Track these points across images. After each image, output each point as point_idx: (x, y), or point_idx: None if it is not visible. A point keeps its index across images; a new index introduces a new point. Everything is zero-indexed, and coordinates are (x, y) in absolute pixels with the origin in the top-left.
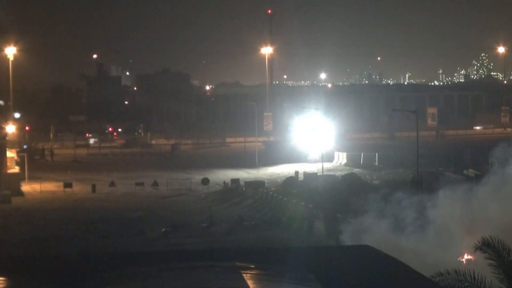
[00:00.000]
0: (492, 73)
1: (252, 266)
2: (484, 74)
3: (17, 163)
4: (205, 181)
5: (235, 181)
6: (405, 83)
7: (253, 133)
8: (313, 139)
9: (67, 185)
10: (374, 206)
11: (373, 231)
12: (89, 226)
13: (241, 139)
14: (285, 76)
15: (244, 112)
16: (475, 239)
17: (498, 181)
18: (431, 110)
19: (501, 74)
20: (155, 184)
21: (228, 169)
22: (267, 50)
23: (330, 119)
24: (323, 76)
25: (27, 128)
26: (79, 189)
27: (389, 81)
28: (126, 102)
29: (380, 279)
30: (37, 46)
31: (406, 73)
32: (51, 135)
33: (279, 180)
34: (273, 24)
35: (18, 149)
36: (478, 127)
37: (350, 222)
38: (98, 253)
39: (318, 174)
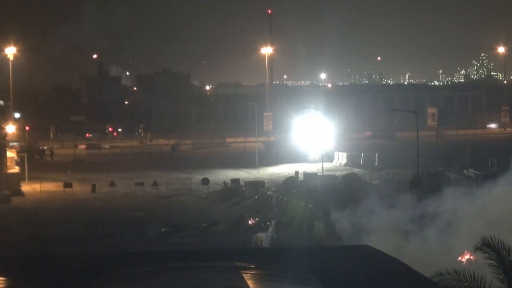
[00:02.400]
0: (492, 73)
1: (252, 266)
2: (484, 74)
3: (17, 163)
4: (205, 181)
5: (235, 181)
6: (405, 83)
7: (253, 133)
8: (313, 139)
9: (67, 185)
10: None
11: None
12: (89, 226)
13: (241, 139)
14: (285, 76)
15: (244, 112)
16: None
17: None
18: (431, 110)
19: (501, 74)
20: (155, 184)
21: (228, 169)
22: (267, 50)
23: (330, 119)
24: (323, 76)
25: (27, 128)
26: (79, 189)
27: (389, 81)
28: (126, 102)
29: (380, 279)
30: (37, 46)
31: (406, 73)
32: (51, 135)
33: (279, 180)
34: (273, 24)
35: (18, 149)
36: (493, 125)
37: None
38: (98, 253)
39: (318, 174)
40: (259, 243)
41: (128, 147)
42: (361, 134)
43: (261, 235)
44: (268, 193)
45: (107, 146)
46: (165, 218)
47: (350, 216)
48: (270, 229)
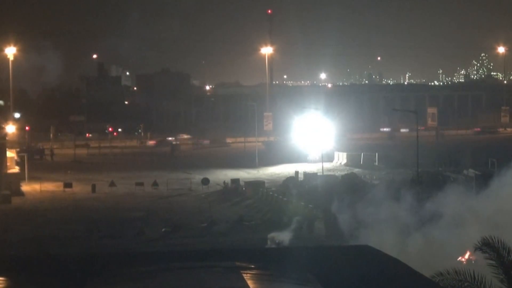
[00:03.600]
0: (492, 73)
1: (252, 266)
2: (484, 74)
3: (17, 163)
4: (205, 181)
5: (235, 181)
6: (405, 83)
7: (253, 133)
8: (313, 139)
9: (67, 185)
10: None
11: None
12: (89, 226)
13: (241, 139)
14: (285, 76)
15: (244, 112)
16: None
17: None
18: (431, 110)
19: (501, 74)
20: (155, 184)
21: (228, 169)
22: (267, 50)
23: (330, 119)
24: (323, 76)
25: (27, 128)
26: (79, 189)
27: (389, 81)
28: (126, 102)
29: (380, 279)
30: (37, 46)
31: (406, 73)
32: (51, 135)
33: (279, 180)
34: (273, 24)
35: (18, 149)
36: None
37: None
38: (98, 253)
39: (318, 174)
40: (276, 243)
41: (128, 147)
42: (470, 129)
43: (277, 235)
44: (287, 199)
45: (178, 143)
46: (165, 218)
47: (350, 214)
48: (293, 227)
